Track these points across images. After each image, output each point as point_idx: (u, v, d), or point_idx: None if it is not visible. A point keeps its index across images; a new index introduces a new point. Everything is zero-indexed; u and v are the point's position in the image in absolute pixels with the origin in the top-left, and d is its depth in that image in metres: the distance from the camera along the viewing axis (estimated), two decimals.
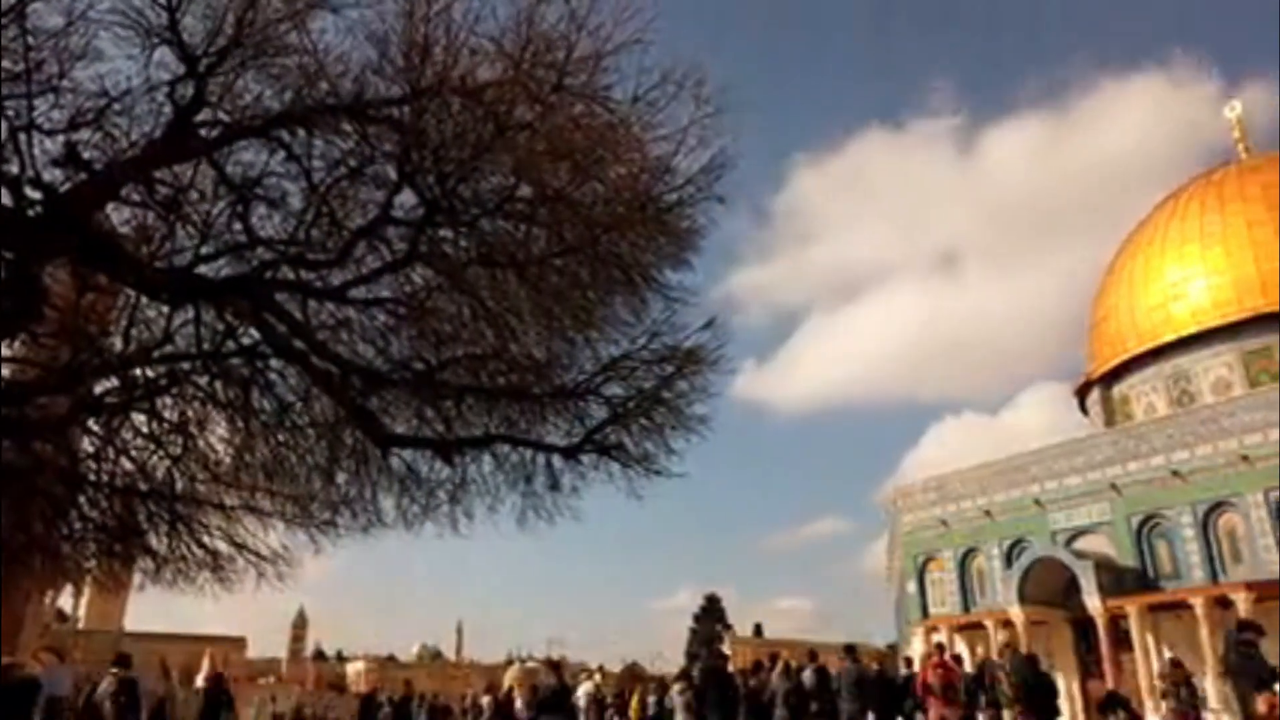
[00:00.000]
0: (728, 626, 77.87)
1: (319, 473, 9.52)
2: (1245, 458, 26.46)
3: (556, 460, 8.86)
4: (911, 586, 35.51)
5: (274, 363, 8.56)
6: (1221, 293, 34.05)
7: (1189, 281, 35.14)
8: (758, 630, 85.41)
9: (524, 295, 7.85)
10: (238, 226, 7.81)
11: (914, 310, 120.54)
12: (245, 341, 8.37)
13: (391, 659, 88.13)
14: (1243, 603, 24.67)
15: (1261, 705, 9.31)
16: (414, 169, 7.00)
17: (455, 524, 9.38)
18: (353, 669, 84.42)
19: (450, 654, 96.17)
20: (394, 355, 8.51)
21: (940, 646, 16.25)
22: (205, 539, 10.55)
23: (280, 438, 9.20)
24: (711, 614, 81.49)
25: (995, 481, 33.03)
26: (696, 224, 7.92)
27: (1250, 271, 33.55)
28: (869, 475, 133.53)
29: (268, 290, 7.59)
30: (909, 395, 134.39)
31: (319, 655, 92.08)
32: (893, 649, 50.77)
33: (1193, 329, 34.52)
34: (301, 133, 7.22)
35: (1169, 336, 35.27)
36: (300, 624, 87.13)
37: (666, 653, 78.57)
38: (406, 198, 7.35)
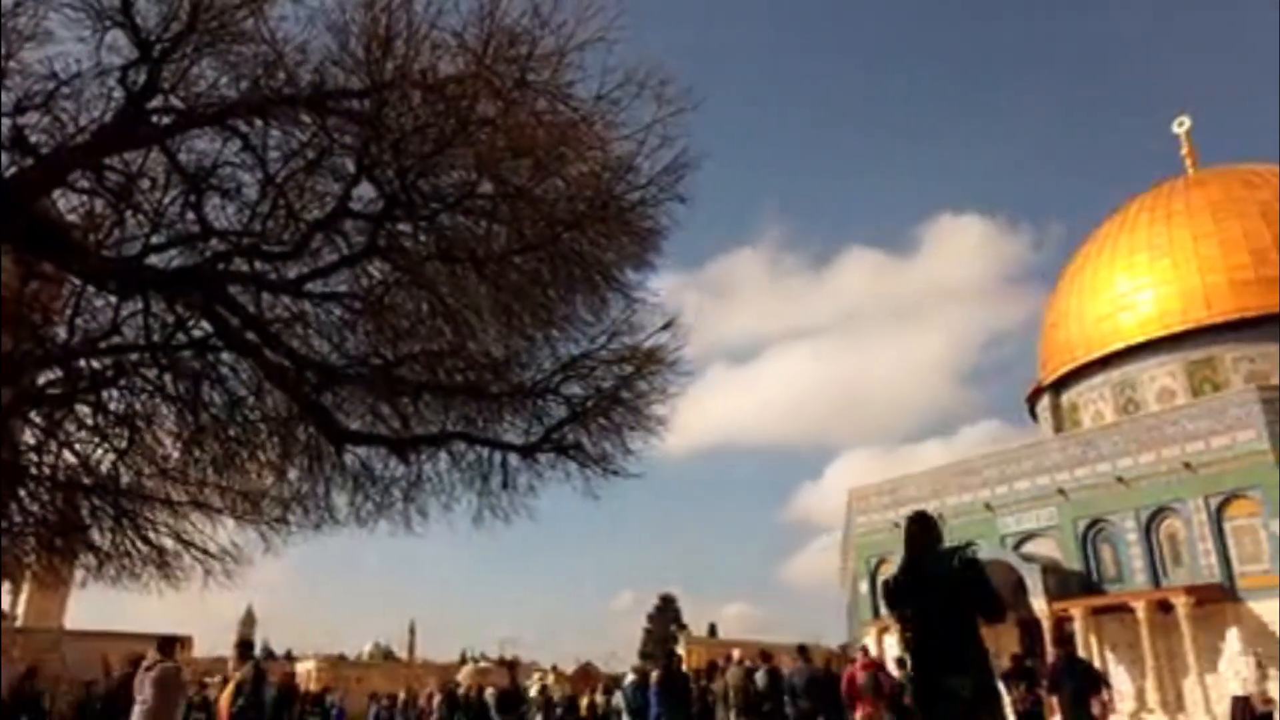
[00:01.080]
0: (682, 626, 78.08)
1: (270, 469, 9.36)
2: (1187, 465, 27.21)
3: (513, 459, 8.82)
4: (864, 587, 35.94)
5: (226, 356, 8.40)
6: (1168, 304, 34.95)
7: (1137, 292, 36.02)
8: (712, 630, 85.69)
9: (484, 292, 7.80)
10: (190, 216, 7.65)
11: (792, 376, 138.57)
12: (196, 334, 8.20)
13: (343, 658, 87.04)
14: (1182, 606, 25.40)
15: (1095, 707, 10.83)
16: (373, 162, 6.92)
17: (409, 522, 9.29)
18: (303, 668, 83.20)
19: (403, 653, 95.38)
20: (350, 350, 8.40)
21: (865, 648, 16.56)
22: (151, 535, 10.31)
23: (231, 432, 9.02)
24: (666, 614, 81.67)
25: (948, 485, 33.56)
26: (659, 224, 7.93)
27: (1195, 284, 34.49)
28: (776, 503, 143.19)
29: (220, 282, 7.44)
30: (803, 440, 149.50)
31: (268, 654, 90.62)
32: (844, 649, 51.29)
33: (1139, 339, 35.40)
34: (258, 122, 7.09)
35: (1117, 346, 36.13)
36: (248, 622, 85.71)
37: (620, 652, 78.55)
38: (365, 191, 7.26)
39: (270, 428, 9.07)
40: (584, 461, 8.63)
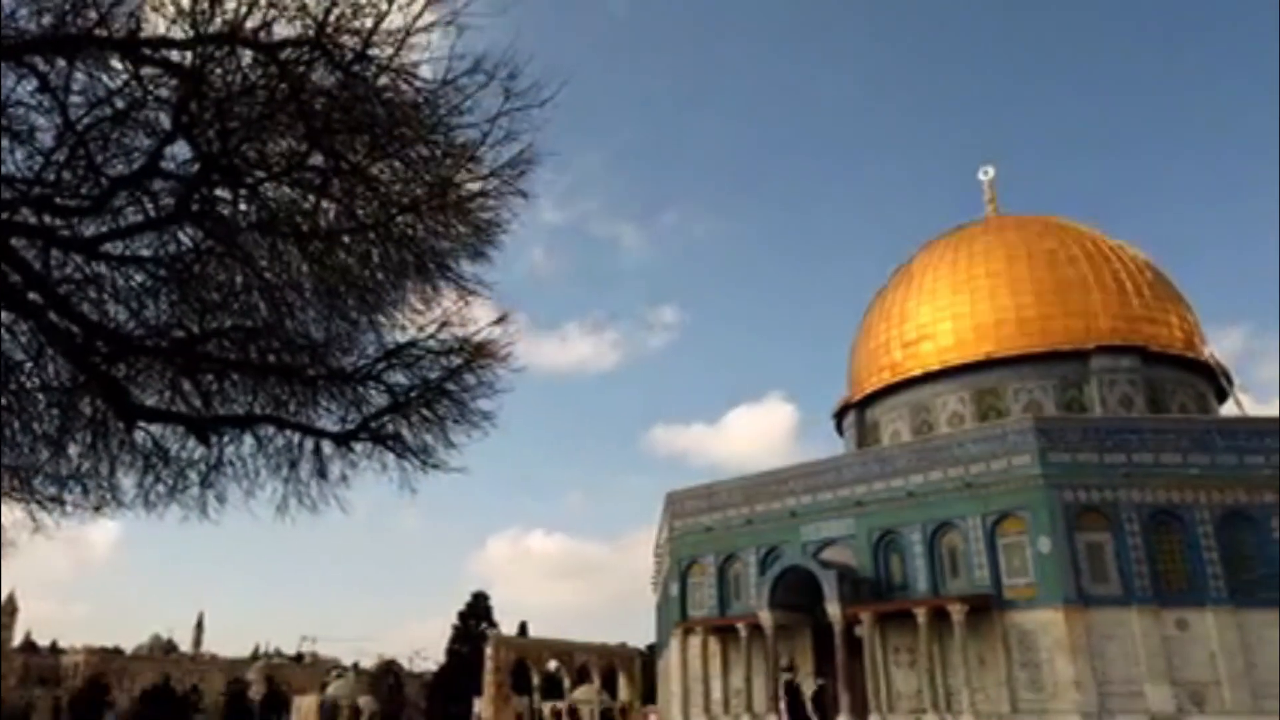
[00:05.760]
0: (493, 624, 77.41)
1: (46, 442, 8.49)
2: (968, 485, 29.73)
3: (326, 446, 8.42)
4: (674, 589, 36.91)
5: (2, 316, 7.56)
6: (963, 335, 38.11)
7: (938, 323, 39.05)
8: (523, 629, 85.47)
9: (306, 270, 7.40)
10: None
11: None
12: None
13: (117, 650, 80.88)
14: (956, 613, 27.71)
15: None
16: (192, 120, 6.42)
17: (206, 508, 8.69)
18: (69, 661, 76.54)
19: (187, 646, 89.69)
20: (150, 320, 7.75)
21: None
22: None
23: (2, 400, 8.13)
24: (477, 611, 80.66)
25: (759, 493, 35.04)
26: (499, 217, 7.80)
27: (987, 319, 37.81)
28: None
29: (2, 233, 6.69)
30: None
31: (29, 646, 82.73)
32: (652, 650, 52.47)
33: (936, 366, 38.43)
34: (60, 63, 6.43)
35: (916, 371, 39.04)
36: (10, 610, 77.93)
37: (425, 650, 77.17)
38: (180, 150, 6.73)
39: (49, 398, 8.23)
40: (402, 453, 8.37)
